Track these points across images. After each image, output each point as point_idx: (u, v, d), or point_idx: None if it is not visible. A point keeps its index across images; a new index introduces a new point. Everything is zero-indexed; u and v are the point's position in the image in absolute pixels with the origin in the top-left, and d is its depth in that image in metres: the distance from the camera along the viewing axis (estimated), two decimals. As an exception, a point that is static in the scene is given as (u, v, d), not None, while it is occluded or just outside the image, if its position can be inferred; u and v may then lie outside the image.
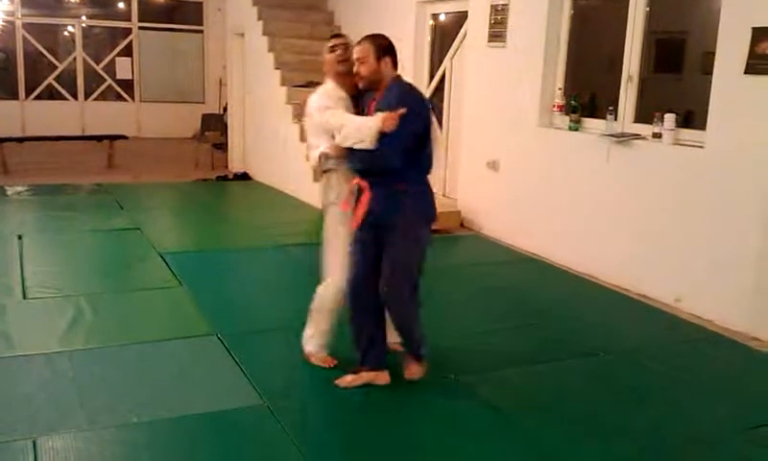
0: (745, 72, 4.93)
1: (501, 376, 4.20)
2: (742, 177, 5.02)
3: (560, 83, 6.77)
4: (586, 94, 6.74)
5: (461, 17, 8.10)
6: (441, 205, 8.13)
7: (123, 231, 7.25)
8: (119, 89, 13.61)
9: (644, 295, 5.73)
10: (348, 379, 3.96)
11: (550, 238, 6.72)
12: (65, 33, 13.81)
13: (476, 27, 7.61)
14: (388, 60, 3.83)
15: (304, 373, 4.14)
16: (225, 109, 12.00)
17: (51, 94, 13.24)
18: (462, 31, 8.06)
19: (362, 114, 3.84)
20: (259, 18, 10.07)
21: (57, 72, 13.22)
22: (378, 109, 3.73)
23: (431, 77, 8.69)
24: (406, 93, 3.82)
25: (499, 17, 7.22)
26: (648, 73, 6.67)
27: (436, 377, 4.10)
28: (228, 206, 9.26)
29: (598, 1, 7.77)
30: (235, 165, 11.21)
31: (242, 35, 10.81)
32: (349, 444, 3.47)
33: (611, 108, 6.12)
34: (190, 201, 9.06)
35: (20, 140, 11.30)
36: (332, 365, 4.13)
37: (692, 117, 6.01)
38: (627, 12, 6.02)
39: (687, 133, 5.59)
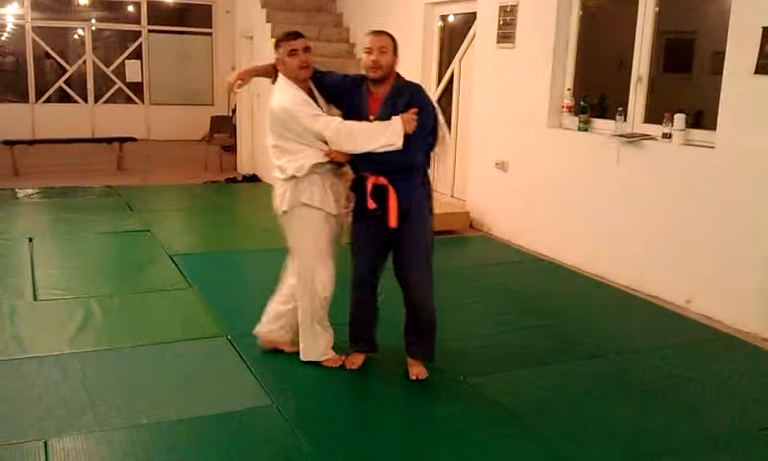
0: (755, 72, 4.91)
1: (510, 378, 4.18)
2: (753, 177, 4.99)
3: (569, 83, 6.76)
4: (595, 95, 6.73)
5: (469, 18, 8.10)
6: (450, 206, 8.19)
7: (133, 233, 7.28)
8: (129, 92, 13.66)
9: (655, 296, 5.71)
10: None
11: (560, 239, 6.71)
12: (75, 36, 13.88)
13: (485, 28, 7.60)
14: (397, 57, 3.90)
15: (313, 374, 4.14)
16: (233, 112, 12.03)
17: (61, 97, 13.29)
18: (470, 32, 8.05)
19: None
20: (268, 21, 10.08)
21: (67, 75, 13.28)
22: (398, 110, 3.77)
23: (439, 78, 8.69)
24: (424, 92, 3.95)
25: (508, 18, 7.21)
26: (658, 73, 6.65)
27: (444, 379, 4.10)
28: (238, 207, 9.27)
29: (607, 1, 7.76)
30: (244, 167, 11.24)
31: (251, 37, 10.84)
32: (358, 445, 3.46)
33: (620, 108, 6.10)
34: (199, 203, 9.09)
35: (30, 143, 11.36)
36: (341, 363, 4.19)
37: (702, 117, 5.99)
38: (636, 13, 6.00)
39: (697, 134, 5.57)
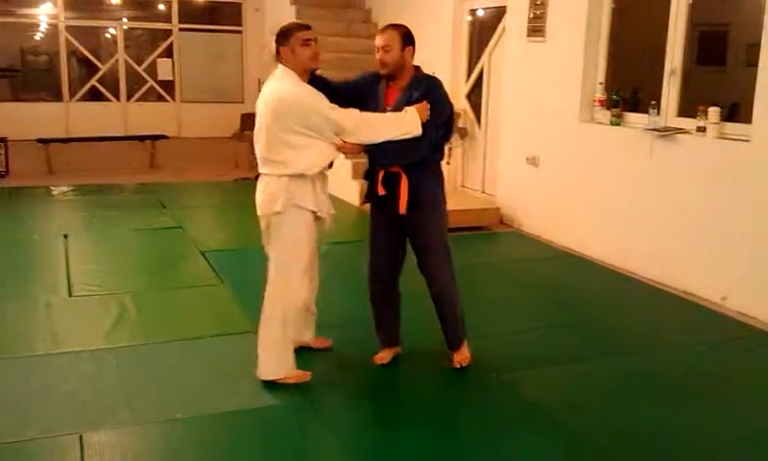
0: (792, 63, 4.82)
1: (543, 375, 4.16)
2: (790, 171, 4.90)
3: (601, 77, 6.69)
4: (627, 88, 6.64)
5: (499, 12, 8.05)
6: (480, 201, 8.16)
7: (165, 230, 7.35)
8: (160, 90, 13.77)
9: (689, 292, 5.63)
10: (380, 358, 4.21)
11: (591, 235, 6.64)
12: (107, 35, 14.03)
13: (515, 22, 7.54)
14: (410, 49, 3.92)
15: (344, 368, 4.15)
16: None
17: (94, 95, 13.45)
18: (500, 26, 8.00)
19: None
20: (297, 17, 10.12)
21: (99, 74, 13.42)
22: (413, 100, 3.81)
23: (469, 73, 8.65)
24: (439, 85, 3.97)
25: (539, 12, 7.16)
26: (691, 66, 6.55)
27: (477, 375, 4.08)
28: (268, 204, 9.28)
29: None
30: (274, 164, 11.25)
31: (280, 34, 10.86)
32: (388, 441, 3.46)
33: (653, 101, 6.02)
34: (230, 199, 9.13)
35: (64, 141, 11.50)
36: (310, 378, 3.94)
37: (737, 110, 5.89)
38: (669, 5, 5.92)
39: (732, 127, 5.48)
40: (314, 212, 3.82)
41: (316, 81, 3.88)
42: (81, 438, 3.32)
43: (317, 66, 3.83)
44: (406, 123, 3.73)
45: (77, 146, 11.46)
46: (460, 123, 8.34)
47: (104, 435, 3.37)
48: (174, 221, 7.66)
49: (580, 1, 6.64)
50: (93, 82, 13.38)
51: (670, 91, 5.97)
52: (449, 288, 4.07)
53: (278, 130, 3.65)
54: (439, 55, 8.38)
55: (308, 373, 3.96)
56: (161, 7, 13.96)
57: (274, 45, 3.77)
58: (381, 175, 3.92)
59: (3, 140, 10.15)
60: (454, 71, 8.51)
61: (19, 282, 5.59)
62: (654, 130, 5.91)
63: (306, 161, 3.71)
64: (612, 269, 6.30)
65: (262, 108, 3.75)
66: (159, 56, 13.76)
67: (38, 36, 13.84)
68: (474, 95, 8.57)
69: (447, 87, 4.13)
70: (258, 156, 3.82)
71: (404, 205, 3.88)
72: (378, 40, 3.87)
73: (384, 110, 3.86)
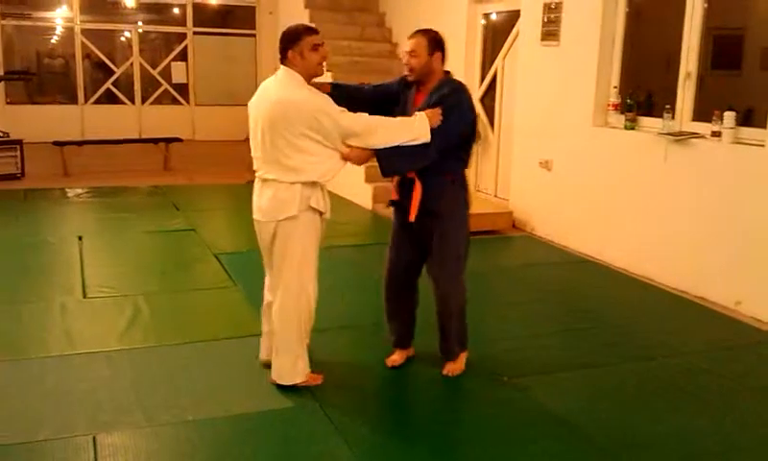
0: (809, 68, 4.79)
1: (555, 380, 4.14)
2: (806, 176, 4.87)
3: (615, 81, 6.67)
4: (642, 92, 6.61)
5: (513, 16, 8.04)
6: (493, 205, 8.13)
7: (179, 233, 7.38)
8: (175, 93, 13.82)
9: (703, 297, 5.60)
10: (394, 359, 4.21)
11: (605, 239, 6.62)
12: (122, 38, 14.11)
13: (529, 26, 7.53)
14: (439, 54, 3.90)
15: (355, 371, 4.16)
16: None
17: (109, 99, 13.52)
18: (514, 30, 7.99)
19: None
20: (311, 21, 10.14)
21: (114, 77, 13.49)
22: (432, 104, 3.79)
23: (483, 77, 8.64)
24: (460, 91, 3.91)
25: (553, 16, 7.14)
26: (706, 70, 6.52)
27: (488, 380, 4.07)
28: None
29: (654, -2, 7.63)
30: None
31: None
32: (399, 444, 3.46)
33: (668, 106, 5.99)
34: (243, 202, 9.08)
35: (80, 144, 11.57)
36: (322, 381, 3.95)
37: (753, 115, 5.86)
38: (684, 9, 5.89)
39: (748, 132, 5.45)
40: (322, 214, 3.82)
41: (337, 89, 3.94)
42: (94, 439, 3.34)
43: (323, 73, 3.78)
44: (415, 128, 3.70)
45: (92, 149, 11.53)
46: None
47: (117, 436, 3.39)
48: (187, 223, 7.69)
49: (594, 5, 6.63)
50: (108, 85, 13.45)
51: (685, 95, 5.94)
52: (452, 299, 3.99)
53: (289, 134, 3.59)
54: (452, 59, 8.31)
55: (321, 375, 3.96)
56: (176, 10, 14.02)
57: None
58: (397, 179, 3.93)
59: (19, 142, 10.23)
60: (468, 75, 8.50)
61: (34, 284, 5.64)
62: (668, 134, 5.88)
63: (321, 169, 3.68)
64: (625, 274, 6.27)
65: (262, 108, 3.69)
66: (174, 59, 13.82)
67: (54, 40, 13.93)
68: (488, 99, 8.55)
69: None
70: (258, 158, 3.77)
71: (414, 212, 3.86)
72: (406, 45, 3.88)
73: (411, 114, 3.82)
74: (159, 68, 13.72)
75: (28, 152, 10.38)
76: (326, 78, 8.21)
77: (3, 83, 12.15)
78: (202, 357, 4.33)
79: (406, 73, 3.91)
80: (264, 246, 3.91)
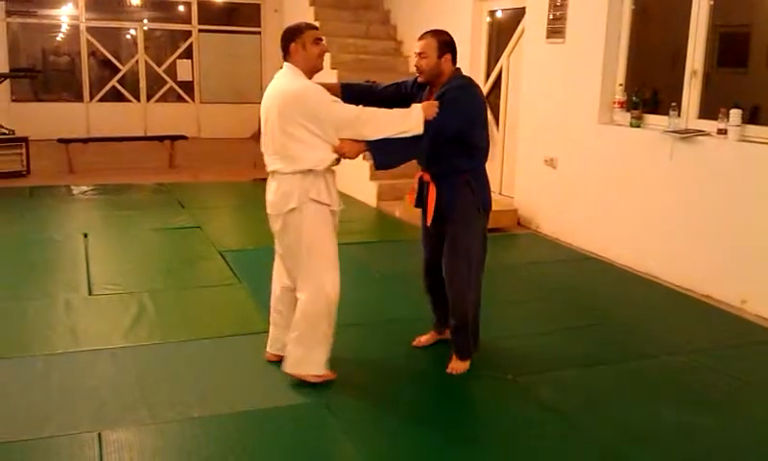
0: (816, 65, 4.77)
1: (560, 378, 4.14)
2: (813, 174, 4.85)
3: (621, 78, 6.65)
4: (647, 90, 6.59)
5: (518, 13, 8.03)
6: (497, 203, 8.11)
7: (184, 230, 7.39)
8: (180, 91, 13.85)
9: (708, 296, 5.58)
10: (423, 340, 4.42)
11: (610, 237, 6.61)
12: (128, 36, 14.13)
13: (534, 23, 7.52)
14: (448, 56, 3.91)
15: (362, 368, 4.16)
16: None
17: (114, 96, 13.55)
18: (519, 27, 7.98)
19: None
20: (316, 19, 10.14)
21: (120, 74, 13.53)
22: (436, 98, 3.80)
23: (488, 74, 8.63)
24: (466, 87, 3.91)
25: (558, 13, 7.13)
26: (712, 67, 6.50)
27: (493, 378, 4.07)
28: (286, 204, 9.31)
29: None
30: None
31: (299, 35, 10.89)
32: (404, 442, 3.46)
33: (674, 103, 5.98)
34: (248, 200, 9.15)
35: (85, 141, 11.60)
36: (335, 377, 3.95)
37: (759, 113, 5.84)
38: (690, 6, 5.87)
39: (754, 130, 5.43)
40: (329, 206, 3.83)
41: (346, 88, 4.01)
42: (99, 436, 3.35)
43: (322, 67, 3.85)
44: (408, 120, 3.69)
45: (97, 146, 11.56)
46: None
47: (122, 433, 3.40)
48: (192, 221, 7.70)
49: (600, 2, 6.61)
50: (113, 82, 13.49)
51: (691, 93, 5.93)
52: (462, 300, 4.00)
53: (285, 123, 3.66)
54: (458, 56, 8.35)
55: (335, 373, 3.96)
56: (181, 8, 14.04)
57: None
58: (417, 181, 4.03)
59: (24, 140, 10.25)
60: (473, 72, 8.48)
61: (39, 281, 5.65)
62: (674, 132, 5.87)
63: (317, 157, 3.70)
64: (630, 272, 6.26)
65: (269, 104, 3.78)
66: (179, 57, 13.84)
67: (60, 37, 13.96)
68: (493, 96, 8.54)
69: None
70: (267, 154, 3.84)
71: (430, 216, 3.96)
72: (416, 46, 3.90)
73: None
74: (165, 66, 13.75)
75: (33, 149, 10.40)
76: (333, 77, 8.27)
77: (9, 80, 12.17)
78: (207, 354, 4.33)
79: (418, 75, 3.94)
80: (276, 238, 4.04)
